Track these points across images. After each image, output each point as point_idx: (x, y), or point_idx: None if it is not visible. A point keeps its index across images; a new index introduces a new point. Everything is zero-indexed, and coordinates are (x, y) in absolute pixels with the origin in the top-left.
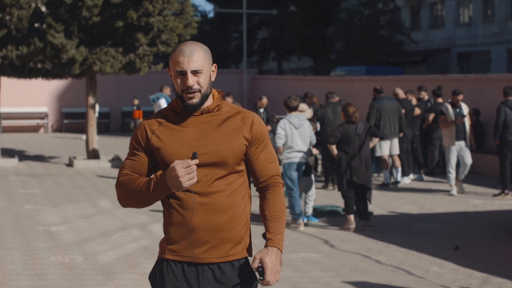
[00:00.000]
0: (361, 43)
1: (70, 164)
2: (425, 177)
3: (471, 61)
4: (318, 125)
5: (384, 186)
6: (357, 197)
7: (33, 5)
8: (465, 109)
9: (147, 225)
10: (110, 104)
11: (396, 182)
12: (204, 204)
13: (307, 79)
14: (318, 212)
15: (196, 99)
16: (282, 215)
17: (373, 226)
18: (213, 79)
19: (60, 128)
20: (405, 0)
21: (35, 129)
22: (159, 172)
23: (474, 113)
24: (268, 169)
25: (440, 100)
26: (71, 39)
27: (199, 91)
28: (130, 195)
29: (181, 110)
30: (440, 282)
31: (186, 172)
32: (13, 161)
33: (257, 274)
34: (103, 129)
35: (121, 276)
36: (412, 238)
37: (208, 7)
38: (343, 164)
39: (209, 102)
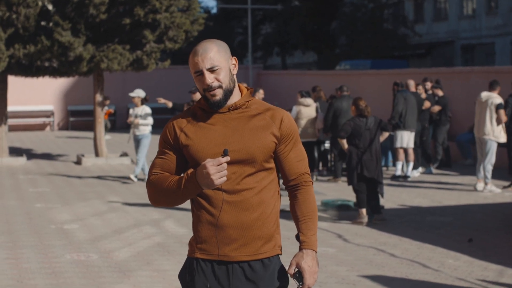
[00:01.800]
0: (365, 37)
1: (78, 162)
2: (434, 170)
3: (475, 54)
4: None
5: (394, 178)
6: (369, 191)
7: (40, 3)
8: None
9: (159, 222)
10: (117, 101)
11: (406, 177)
12: (234, 202)
13: (312, 73)
14: (330, 206)
15: (218, 96)
16: (314, 215)
17: (385, 220)
18: (234, 72)
19: (66, 126)
20: None
21: (41, 127)
22: (190, 170)
23: None
24: (297, 167)
25: (440, 93)
26: (78, 37)
27: (220, 87)
28: (161, 193)
29: (208, 107)
30: (456, 275)
31: (217, 170)
32: (21, 160)
33: (295, 280)
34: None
35: (137, 273)
36: (424, 231)
37: (211, 3)
38: (353, 158)
39: (236, 98)
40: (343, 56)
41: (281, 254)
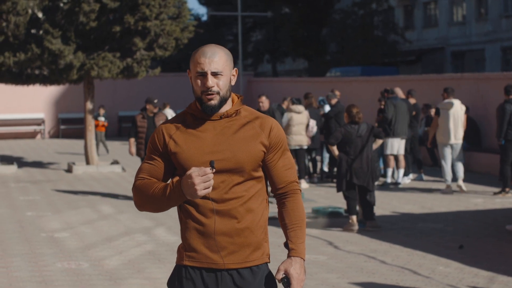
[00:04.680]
0: (355, 44)
1: (69, 170)
2: (424, 177)
3: (465, 60)
4: (314, 127)
5: (385, 185)
6: (361, 198)
7: (30, 11)
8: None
9: (150, 230)
10: (107, 108)
11: (397, 183)
12: (222, 211)
13: (303, 80)
14: (321, 214)
15: (215, 101)
16: (302, 223)
17: (379, 228)
18: (233, 83)
19: (57, 134)
20: (398, 0)
21: (32, 135)
22: (176, 178)
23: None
24: (286, 175)
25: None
26: (68, 44)
27: (218, 93)
28: (146, 199)
29: (200, 113)
30: (447, 282)
31: (202, 180)
32: (12, 168)
33: (282, 285)
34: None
35: (128, 281)
36: (415, 238)
37: (202, 10)
38: (343, 165)
39: (228, 107)
40: (333, 63)
41: (269, 262)
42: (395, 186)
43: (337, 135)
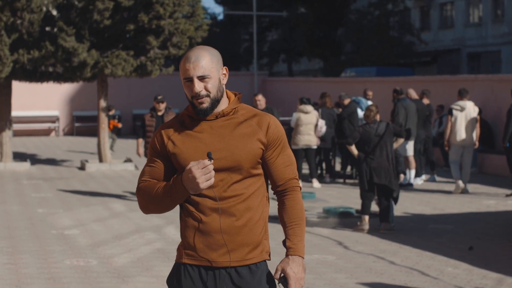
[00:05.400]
0: (371, 44)
1: (82, 168)
2: (437, 178)
3: (481, 61)
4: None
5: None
6: (380, 199)
7: (44, 8)
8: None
9: (161, 228)
10: (121, 107)
11: (409, 184)
12: (221, 209)
13: (317, 80)
14: (331, 214)
15: (206, 104)
16: (301, 221)
17: (393, 230)
18: (224, 82)
19: (71, 131)
20: (414, 1)
21: (46, 132)
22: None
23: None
24: (285, 172)
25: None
26: (82, 42)
27: (208, 96)
28: (150, 201)
29: (196, 115)
30: (455, 283)
31: (203, 172)
32: (25, 165)
33: (280, 285)
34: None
35: (136, 279)
36: (426, 239)
37: (218, 10)
38: (363, 164)
39: (224, 106)
40: (348, 63)
41: (269, 260)
42: (407, 187)
43: (355, 134)
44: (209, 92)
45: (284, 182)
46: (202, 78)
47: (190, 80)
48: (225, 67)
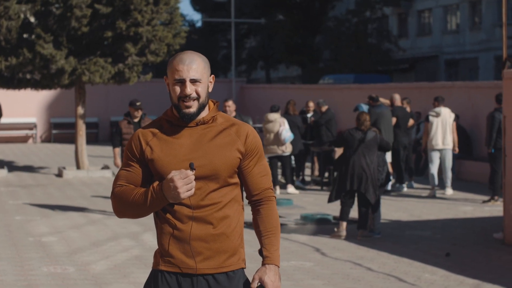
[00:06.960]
0: (349, 51)
1: (59, 175)
2: (415, 185)
3: (459, 68)
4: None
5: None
6: (359, 205)
7: (22, 15)
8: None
9: (138, 235)
10: (99, 114)
11: (387, 191)
12: (198, 217)
13: (295, 87)
14: (309, 220)
15: (193, 108)
16: (277, 230)
17: (370, 237)
18: (210, 90)
19: (49, 138)
20: (392, 8)
21: (24, 139)
22: (156, 183)
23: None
24: (261, 182)
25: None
26: (60, 49)
27: (197, 99)
28: (126, 206)
29: (176, 120)
30: None
31: (184, 183)
32: (2, 172)
33: None
34: (92, 139)
35: (113, 286)
36: (403, 245)
37: (196, 17)
38: (343, 170)
39: (204, 113)
40: (327, 70)
41: (245, 268)
42: (385, 194)
43: (337, 137)
44: (199, 96)
45: (260, 192)
46: (194, 82)
47: (181, 81)
48: (212, 75)
